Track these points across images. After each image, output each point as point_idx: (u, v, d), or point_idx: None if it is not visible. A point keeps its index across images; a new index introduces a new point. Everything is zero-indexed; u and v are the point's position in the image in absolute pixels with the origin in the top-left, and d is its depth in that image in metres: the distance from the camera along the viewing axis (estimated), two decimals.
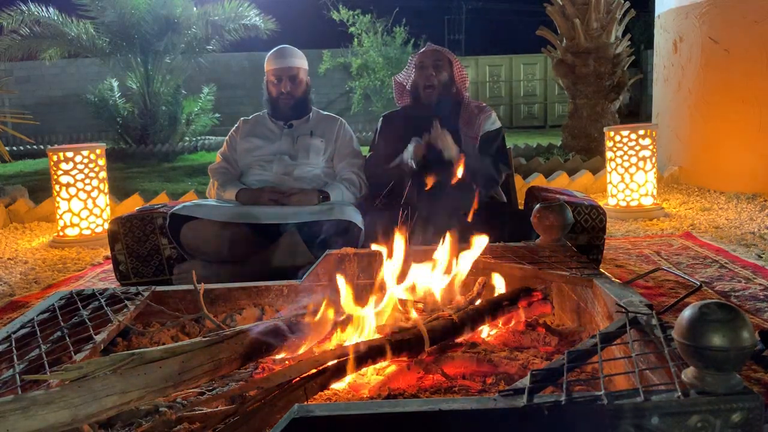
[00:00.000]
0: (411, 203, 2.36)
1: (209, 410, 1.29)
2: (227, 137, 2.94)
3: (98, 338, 1.48)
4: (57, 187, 3.97)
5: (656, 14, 5.91)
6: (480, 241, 1.72)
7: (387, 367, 1.48)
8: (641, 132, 4.30)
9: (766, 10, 4.54)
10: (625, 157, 4.30)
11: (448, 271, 1.73)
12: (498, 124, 2.81)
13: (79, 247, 3.89)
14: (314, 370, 1.29)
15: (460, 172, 2.21)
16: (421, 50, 2.77)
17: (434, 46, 2.76)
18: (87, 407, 1.06)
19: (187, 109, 10.31)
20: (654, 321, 1.24)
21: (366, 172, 2.81)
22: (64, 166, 3.93)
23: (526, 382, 1.04)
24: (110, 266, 2.83)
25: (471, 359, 1.51)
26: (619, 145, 4.33)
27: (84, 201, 3.98)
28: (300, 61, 2.82)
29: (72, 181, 3.95)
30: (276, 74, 2.79)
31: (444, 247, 1.74)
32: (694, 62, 5.17)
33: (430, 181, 2.26)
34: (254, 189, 2.67)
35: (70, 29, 9.32)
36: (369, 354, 1.38)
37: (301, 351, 1.49)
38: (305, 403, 1.22)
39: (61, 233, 4.02)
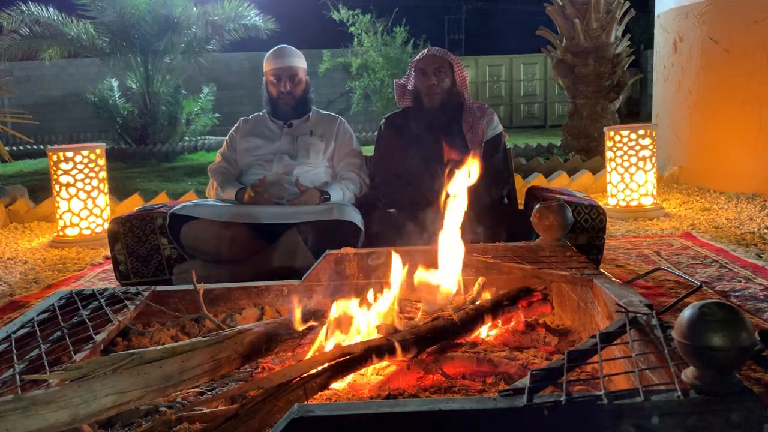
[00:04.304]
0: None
1: (209, 410, 1.29)
2: (227, 137, 2.94)
3: (98, 338, 1.48)
4: (57, 187, 3.97)
5: (656, 14, 5.91)
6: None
7: (387, 367, 1.48)
8: (641, 132, 4.30)
9: (766, 10, 4.54)
10: (625, 157, 4.30)
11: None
12: (500, 128, 2.81)
13: (79, 247, 3.89)
14: (314, 370, 1.29)
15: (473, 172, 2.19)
16: (422, 55, 2.73)
17: (434, 51, 2.72)
18: (87, 407, 1.06)
19: (187, 109, 10.31)
20: (654, 321, 1.24)
21: (373, 185, 2.82)
22: (64, 166, 3.93)
23: (526, 382, 1.04)
24: (110, 266, 2.83)
25: (471, 359, 1.51)
26: (619, 145, 4.33)
27: (84, 201, 3.98)
28: (299, 60, 2.83)
29: (72, 181, 3.95)
30: (275, 74, 2.79)
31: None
32: (694, 62, 5.17)
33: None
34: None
35: (70, 29, 9.32)
36: (369, 354, 1.38)
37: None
38: (305, 403, 1.22)
39: (61, 233, 4.02)
